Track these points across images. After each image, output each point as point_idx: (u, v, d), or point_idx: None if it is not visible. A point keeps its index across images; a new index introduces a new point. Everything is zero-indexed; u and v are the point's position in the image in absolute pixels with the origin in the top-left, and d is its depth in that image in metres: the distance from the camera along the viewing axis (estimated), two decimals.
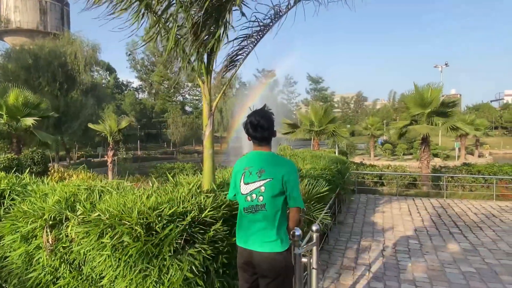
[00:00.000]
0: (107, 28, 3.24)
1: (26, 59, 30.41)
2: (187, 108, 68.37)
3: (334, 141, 17.60)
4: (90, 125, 21.67)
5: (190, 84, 63.35)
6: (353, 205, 9.53)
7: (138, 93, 70.91)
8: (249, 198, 2.35)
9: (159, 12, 3.39)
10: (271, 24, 4.06)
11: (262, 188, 2.30)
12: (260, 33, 4.18)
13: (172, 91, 65.32)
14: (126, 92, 64.23)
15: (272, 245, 2.29)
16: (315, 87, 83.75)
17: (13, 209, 3.65)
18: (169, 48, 3.48)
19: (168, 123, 55.61)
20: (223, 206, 2.94)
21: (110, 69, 64.82)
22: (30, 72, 30.14)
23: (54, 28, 49.25)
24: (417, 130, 14.23)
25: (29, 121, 13.39)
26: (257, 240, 2.32)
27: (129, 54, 65.73)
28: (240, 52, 4.41)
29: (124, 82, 69.18)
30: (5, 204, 3.90)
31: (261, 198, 2.30)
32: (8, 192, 3.99)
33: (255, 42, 4.18)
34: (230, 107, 54.07)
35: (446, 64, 47.86)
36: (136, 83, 73.29)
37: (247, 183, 2.36)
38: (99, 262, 2.71)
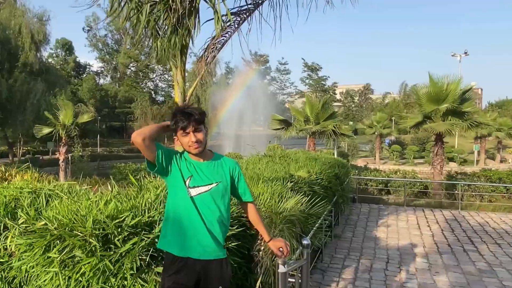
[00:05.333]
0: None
1: None
2: (158, 98, 67.85)
3: (334, 139, 17.77)
4: (37, 127, 21.22)
5: (161, 68, 62.81)
6: (353, 216, 9.65)
7: (99, 78, 69.99)
8: None
9: None
10: (260, 1, 4.09)
11: None
12: (247, 12, 4.21)
13: (141, 75, 64.67)
14: (84, 76, 63.25)
15: None
16: (311, 75, 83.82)
17: None
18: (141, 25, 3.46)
19: (135, 115, 54.95)
20: None
21: (70, 49, 63.64)
22: None
23: None
24: (434, 128, 14.35)
25: None
26: None
27: (88, 30, 64.74)
28: (222, 33, 4.42)
29: (83, 64, 68.21)
30: None
31: None
32: None
33: (241, 22, 4.21)
34: (210, 97, 53.86)
35: (465, 52, 48.64)
36: (96, 65, 72.46)
37: None
38: (44, 281, 2.67)
